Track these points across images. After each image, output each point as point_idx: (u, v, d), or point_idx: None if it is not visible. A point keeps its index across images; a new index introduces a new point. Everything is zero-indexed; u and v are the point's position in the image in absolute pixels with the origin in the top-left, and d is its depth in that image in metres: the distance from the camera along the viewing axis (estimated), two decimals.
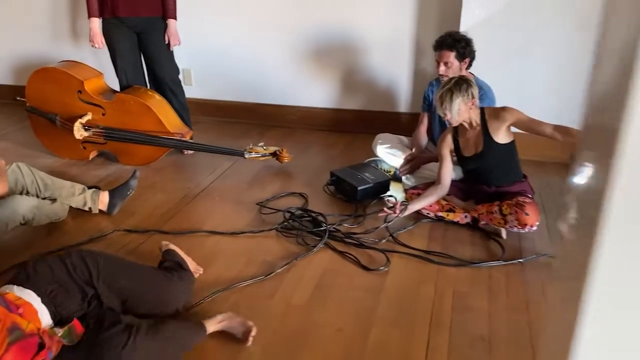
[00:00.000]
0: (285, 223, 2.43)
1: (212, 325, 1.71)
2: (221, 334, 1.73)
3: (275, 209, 2.57)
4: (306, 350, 1.69)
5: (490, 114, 2.31)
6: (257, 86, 3.78)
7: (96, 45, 3.12)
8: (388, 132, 3.11)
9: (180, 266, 1.91)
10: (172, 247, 2.03)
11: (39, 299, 1.51)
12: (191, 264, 2.02)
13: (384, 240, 2.29)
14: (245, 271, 2.11)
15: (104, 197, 2.54)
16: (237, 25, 3.66)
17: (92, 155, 3.20)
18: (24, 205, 2.22)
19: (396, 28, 3.37)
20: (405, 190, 2.70)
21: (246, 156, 3.04)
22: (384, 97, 3.56)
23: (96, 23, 3.07)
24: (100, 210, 2.54)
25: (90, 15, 3.05)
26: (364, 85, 3.58)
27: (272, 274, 2.05)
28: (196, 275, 2.02)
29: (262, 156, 3.06)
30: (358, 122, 3.64)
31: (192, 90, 3.71)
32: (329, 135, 3.65)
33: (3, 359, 1.35)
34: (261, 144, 3.08)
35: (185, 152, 3.29)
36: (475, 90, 2.24)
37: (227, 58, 3.76)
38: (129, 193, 2.60)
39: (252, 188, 2.87)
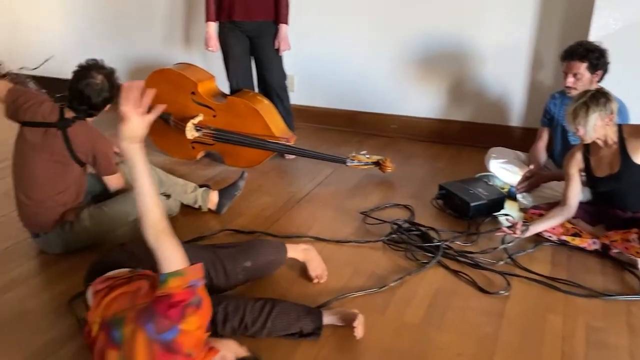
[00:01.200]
0: (393, 235, 2.34)
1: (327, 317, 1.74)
2: (335, 350, 1.68)
3: (380, 220, 2.50)
4: None
5: (630, 131, 2.10)
6: (359, 94, 3.74)
7: (210, 49, 3.22)
8: (497, 146, 2.94)
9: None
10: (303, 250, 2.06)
11: None
12: (319, 265, 2.05)
13: (501, 262, 2.14)
14: (352, 282, 2.05)
15: (214, 197, 2.59)
16: (343, 32, 3.64)
17: (200, 155, 3.30)
18: None
19: (514, 37, 3.20)
20: (522, 210, 2.53)
21: (348, 164, 2.99)
22: (495, 109, 3.39)
23: (213, 27, 3.18)
24: (209, 209, 2.60)
25: (207, 19, 3.15)
26: (473, 95, 3.43)
27: (384, 287, 1.97)
28: (315, 281, 2.01)
29: (365, 164, 3.00)
30: (464, 134, 3.49)
31: (294, 96, 3.73)
32: (431, 146, 3.53)
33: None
34: (364, 152, 3.03)
35: (287, 156, 3.31)
36: (614, 106, 2.04)
37: (330, 65, 3.75)
38: (236, 193, 2.63)
39: (355, 196, 2.81)
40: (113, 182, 2.31)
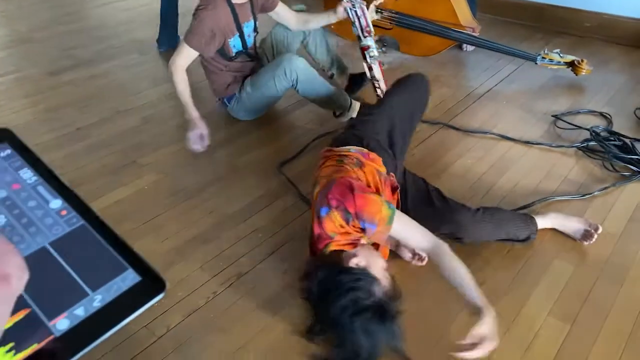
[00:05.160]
0: (590, 143, 2.19)
1: (542, 222, 1.72)
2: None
3: (575, 125, 2.33)
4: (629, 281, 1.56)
5: None
6: None
7: None
8: None
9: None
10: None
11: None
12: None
13: None
14: (545, 185, 1.99)
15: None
16: None
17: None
18: None
19: None
20: None
21: (538, 62, 2.76)
22: None
23: None
24: None
25: None
26: None
27: (588, 195, 1.90)
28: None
29: (556, 64, 2.75)
30: None
31: None
32: (633, 51, 3.11)
33: (386, 193, 1.51)
34: (557, 50, 2.76)
35: (465, 48, 3.14)
36: None
37: None
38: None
39: (543, 98, 2.63)
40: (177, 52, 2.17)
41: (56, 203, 0.39)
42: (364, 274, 1.25)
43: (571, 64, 2.73)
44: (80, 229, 0.37)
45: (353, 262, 1.30)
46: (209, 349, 1.40)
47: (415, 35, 3.02)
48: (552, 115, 2.43)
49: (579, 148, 2.19)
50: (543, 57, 2.75)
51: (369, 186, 1.48)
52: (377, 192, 1.48)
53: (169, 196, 1.97)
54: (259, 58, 2.47)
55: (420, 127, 2.39)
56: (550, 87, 2.73)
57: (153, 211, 1.88)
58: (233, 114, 2.46)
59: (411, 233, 1.38)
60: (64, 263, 0.35)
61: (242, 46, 2.31)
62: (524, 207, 1.84)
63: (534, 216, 1.71)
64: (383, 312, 1.18)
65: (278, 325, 1.45)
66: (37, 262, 0.28)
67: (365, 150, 1.61)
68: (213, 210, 1.89)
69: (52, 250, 0.34)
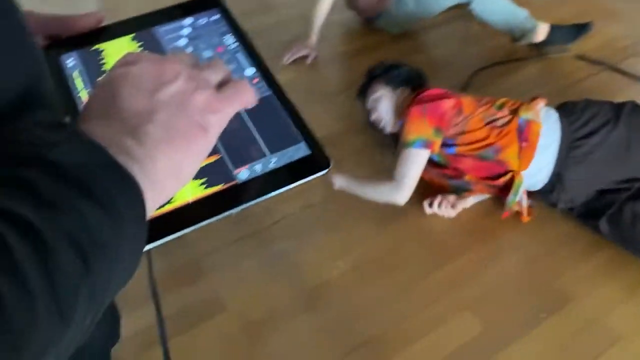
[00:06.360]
0: None
1: None
2: None
3: None
4: None
5: None
6: None
7: None
8: None
9: None
10: None
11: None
12: None
13: None
14: None
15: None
16: None
17: None
18: None
19: None
20: None
21: None
22: None
23: None
24: None
25: None
26: None
27: None
28: None
29: None
30: None
31: None
32: None
33: (464, 161, 1.46)
34: None
35: None
36: None
37: None
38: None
39: None
40: None
41: (250, 70, 0.45)
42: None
43: None
44: (267, 98, 0.43)
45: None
46: (312, 245, 1.50)
47: None
48: None
49: None
50: None
51: (465, 133, 1.45)
52: (456, 143, 1.46)
53: (303, 94, 2.01)
54: None
55: (577, 64, 2.14)
56: None
57: None
58: (379, 27, 2.35)
59: (402, 167, 1.44)
60: (250, 124, 0.41)
61: None
62: None
63: None
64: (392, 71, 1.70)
65: (380, 237, 1.51)
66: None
67: (534, 134, 1.41)
68: (347, 115, 1.91)
69: (242, 111, 0.41)
